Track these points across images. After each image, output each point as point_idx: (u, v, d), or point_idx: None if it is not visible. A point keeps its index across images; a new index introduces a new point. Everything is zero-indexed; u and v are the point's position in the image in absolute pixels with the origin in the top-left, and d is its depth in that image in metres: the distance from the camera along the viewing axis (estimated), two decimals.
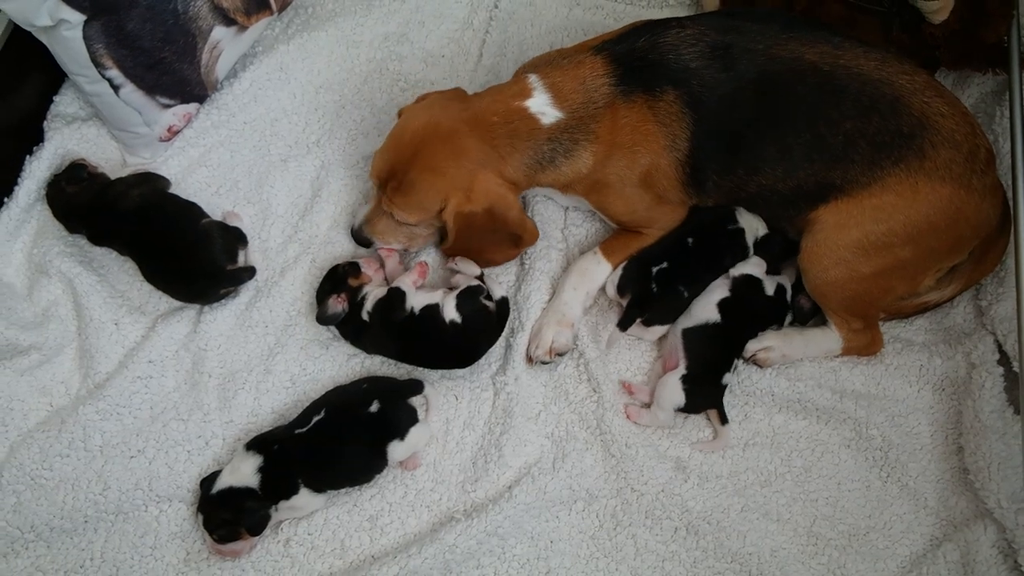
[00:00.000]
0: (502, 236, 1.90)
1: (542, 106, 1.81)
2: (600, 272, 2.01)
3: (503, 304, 1.94)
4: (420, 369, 1.98)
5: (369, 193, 2.09)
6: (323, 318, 1.92)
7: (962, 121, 1.80)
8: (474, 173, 1.80)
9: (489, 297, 1.93)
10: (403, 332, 1.90)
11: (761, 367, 1.99)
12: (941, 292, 2.00)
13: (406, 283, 1.94)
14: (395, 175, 1.82)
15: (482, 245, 1.92)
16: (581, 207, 2.09)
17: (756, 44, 1.79)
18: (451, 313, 1.89)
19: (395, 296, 1.92)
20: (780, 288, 1.99)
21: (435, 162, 1.79)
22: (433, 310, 1.90)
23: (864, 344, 1.98)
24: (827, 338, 1.98)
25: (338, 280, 1.94)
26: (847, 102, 1.77)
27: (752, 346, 1.97)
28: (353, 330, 1.94)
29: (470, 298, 1.91)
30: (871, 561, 1.84)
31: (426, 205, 1.83)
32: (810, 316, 2.01)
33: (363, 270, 1.96)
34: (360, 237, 1.99)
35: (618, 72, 1.81)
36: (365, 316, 1.91)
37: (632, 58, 1.82)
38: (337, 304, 1.91)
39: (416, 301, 1.91)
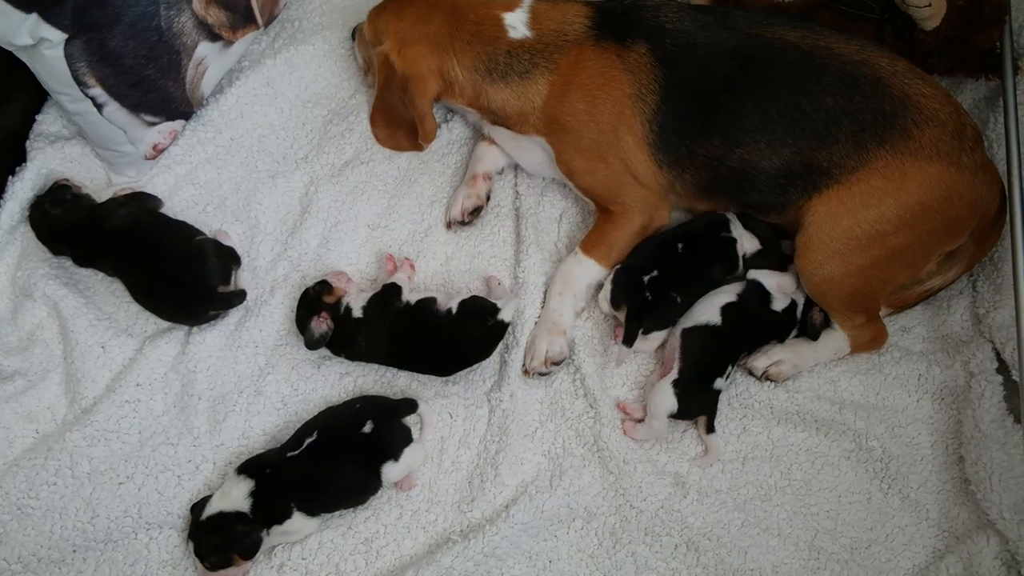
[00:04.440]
0: (407, 117, 2.01)
1: (516, 22, 1.92)
2: (583, 271, 1.98)
3: (501, 325, 1.91)
4: (413, 387, 1.96)
5: None
6: (312, 342, 1.88)
7: (945, 101, 1.80)
8: (418, 41, 1.92)
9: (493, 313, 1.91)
10: (398, 322, 1.89)
11: (776, 382, 1.96)
12: (944, 277, 1.98)
13: (400, 278, 1.95)
14: None
15: (393, 113, 2.06)
16: (545, 174, 2.10)
17: (737, 23, 1.85)
18: (448, 302, 1.90)
19: (390, 290, 1.92)
20: (791, 304, 1.96)
21: (404, 10, 1.95)
22: (428, 303, 1.90)
23: (870, 338, 1.95)
24: (834, 339, 1.95)
25: (312, 302, 1.91)
26: (828, 78, 1.79)
27: (762, 362, 1.94)
28: (346, 337, 1.90)
29: (475, 304, 1.90)
30: (874, 575, 1.82)
31: (376, 30, 2.00)
32: (821, 331, 1.97)
33: (334, 284, 1.93)
34: (352, 32, 2.19)
35: (597, 19, 1.91)
36: (359, 313, 1.89)
37: (613, 13, 1.91)
38: (321, 324, 1.88)
39: (411, 297, 1.92)
